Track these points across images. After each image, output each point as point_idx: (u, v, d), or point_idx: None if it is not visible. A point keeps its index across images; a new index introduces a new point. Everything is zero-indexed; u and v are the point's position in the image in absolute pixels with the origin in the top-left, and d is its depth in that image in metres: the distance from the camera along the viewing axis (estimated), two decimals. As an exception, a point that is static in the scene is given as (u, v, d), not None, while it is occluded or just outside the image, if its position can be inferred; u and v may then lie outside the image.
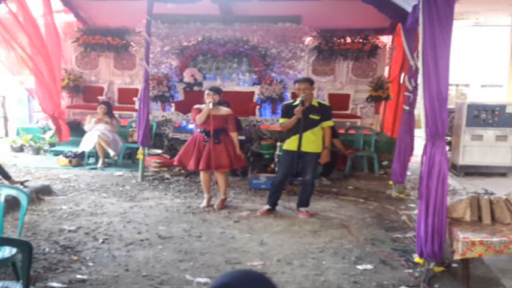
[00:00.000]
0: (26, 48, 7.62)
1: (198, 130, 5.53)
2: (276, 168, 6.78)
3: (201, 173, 5.64)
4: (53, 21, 8.38)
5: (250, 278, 1.57)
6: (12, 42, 7.43)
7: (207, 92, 5.42)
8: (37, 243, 4.23)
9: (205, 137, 5.40)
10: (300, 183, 5.44)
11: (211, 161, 5.36)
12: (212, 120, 5.31)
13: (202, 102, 5.52)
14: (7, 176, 5.55)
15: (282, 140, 6.97)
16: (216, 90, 5.44)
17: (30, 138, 8.81)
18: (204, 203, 5.62)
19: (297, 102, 5.22)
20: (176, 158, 5.66)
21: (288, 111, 5.24)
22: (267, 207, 5.44)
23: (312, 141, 5.18)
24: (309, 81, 5.25)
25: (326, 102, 5.48)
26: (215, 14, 9.34)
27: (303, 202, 5.37)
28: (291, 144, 5.24)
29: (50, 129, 8.88)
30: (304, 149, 5.16)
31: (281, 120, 5.36)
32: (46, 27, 8.25)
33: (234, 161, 5.49)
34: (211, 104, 5.29)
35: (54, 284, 3.47)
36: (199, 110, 5.43)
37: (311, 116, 5.14)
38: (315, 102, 5.26)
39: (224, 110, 5.49)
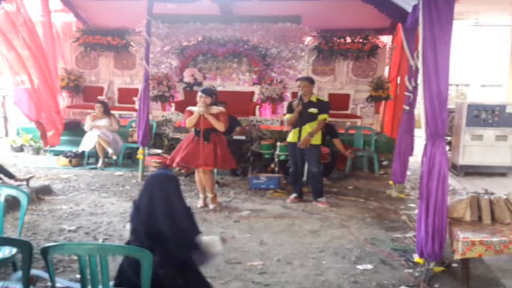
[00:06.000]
0: (20, 50, 7.46)
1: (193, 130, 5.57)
2: (276, 169, 6.92)
3: (196, 173, 5.65)
4: (49, 21, 8.32)
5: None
6: (15, 41, 7.36)
7: (199, 94, 5.39)
8: (37, 243, 4.22)
9: (195, 136, 5.43)
10: (309, 178, 5.98)
11: (194, 158, 5.36)
12: (202, 120, 5.34)
13: (197, 103, 5.49)
14: (11, 175, 5.53)
15: (282, 140, 7.04)
16: (208, 92, 5.42)
17: (30, 138, 8.79)
18: (200, 202, 5.65)
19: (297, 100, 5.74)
20: (169, 158, 5.71)
21: (291, 108, 5.82)
22: (294, 195, 5.97)
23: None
24: (308, 80, 5.82)
25: (325, 98, 6.09)
26: (215, 14, 9.32)
27: (317, 194, 5.86)
28: (292, 136, 5.81)
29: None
30: None
31: (287, 116, 6.00)
32: (43, 27, 8.20)
33: (221, 161, 5.46)
34: (201, 109, 5.29)
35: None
36: (191, 113, 5.44)
37: (309, 111, 5.66)
38: (313, 98, 5.77)
39: (215, 109, 5.45)
